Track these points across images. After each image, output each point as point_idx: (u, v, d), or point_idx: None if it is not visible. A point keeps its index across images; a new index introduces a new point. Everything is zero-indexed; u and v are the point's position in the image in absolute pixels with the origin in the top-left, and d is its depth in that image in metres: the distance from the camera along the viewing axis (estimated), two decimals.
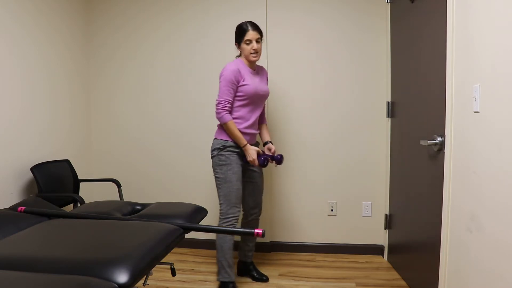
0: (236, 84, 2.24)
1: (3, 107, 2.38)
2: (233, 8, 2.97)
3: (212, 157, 2.31)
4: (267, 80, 2.51)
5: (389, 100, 2.79)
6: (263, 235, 1.64)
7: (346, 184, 2.95)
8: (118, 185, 2.85)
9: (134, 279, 1.31)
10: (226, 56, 2.99)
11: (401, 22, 2.50)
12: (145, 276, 2.00)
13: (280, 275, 2.60)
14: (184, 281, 2.50)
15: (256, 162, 2.25)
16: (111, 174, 3.18)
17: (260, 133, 2.53)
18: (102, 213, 2.06)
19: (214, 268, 2.70)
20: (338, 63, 2.90)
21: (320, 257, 2.91)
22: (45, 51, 2.74)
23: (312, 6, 2.90)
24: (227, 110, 2.22)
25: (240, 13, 2.95)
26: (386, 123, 2.83)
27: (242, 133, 2.27)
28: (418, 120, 2.20)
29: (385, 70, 2.82)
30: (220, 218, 2.26)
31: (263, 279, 2.50)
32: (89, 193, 3.03)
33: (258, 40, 2.28)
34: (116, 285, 1.25)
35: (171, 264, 2.08)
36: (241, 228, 1.77)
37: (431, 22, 1.98)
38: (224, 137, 2.28)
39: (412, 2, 2.24)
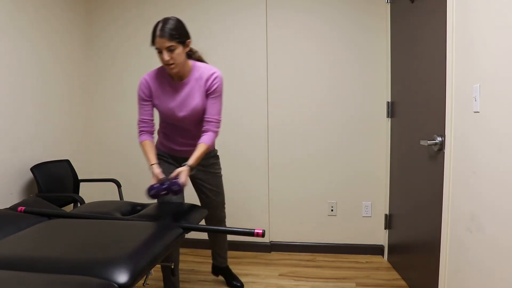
0: (146, 99, 1.93)
1: (3, 107, 2.38)
2: (233, 7, 2.97)
3: None
4: (207, 91, 1.92)
5: (389, 100, 2.79)
6: (263, 235, 1.64)
7: (346, 184, 2.95)
8: (118, 185, 2.86)
9: (134, 279, 1.31)
10: (226, 56, 3.00)
11: (401, 22, 2.50)
12: (145, 276, 2.00)
13: (280, 275, 2.60)
14: (184, 281, 2.50)
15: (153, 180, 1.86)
16: (111, 174, 3.18)
17: None
18: (102, 213, 2.06)
19: None
20: (338, 63, 2.90)
21: (320, 257, 2.91)
22: (45, 52, 2.74)
23: (312, 6, 2.90)
24: (142, 131, 1.97)
25: (240, 13, 2.95)
26: (386, 123, 2.83)
27: (175, 150, 2.07)
28: (418, 120, 2.20)
29: (385, 70, 2.82)
30: None
31: (238, 285, 2.39)
32: (89, 193, 3.03)
33: (171, 48, 1.77)
34: (116, 285, 1.25)
35: (171, 264, 2.08)
36: (240, 228, 1.73)
37: (431, 22, 1.98)
38: (157, 142, 2.13)
39: (412, 2, 2.24)
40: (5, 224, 1.79)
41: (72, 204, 2.72)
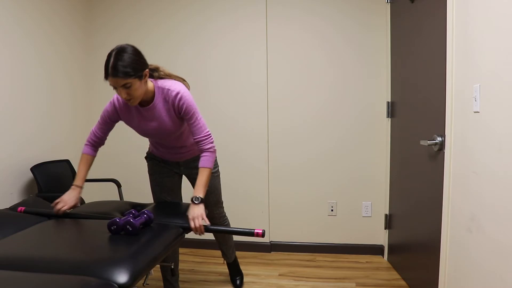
0: (109, 121, 1.90)
1: (3, 107, 2.38)
2: (232, 5, 2.97)
3: None
4: (176, 110, 1.81)
5: (389, 100, 2.79)
6: (263, 235, 1.64)
7: (346, 184, 2.95)
8: (118, 185, 2.85)
9: (134, 279, 1.31)
10: (226, 54, 3.00)
11: (401, 22, 2.50)
12: (145, 276, 2.00)
13: (280, 275, 2.60)
14: (184, 281, 2.50)
15: (60, 206, 1.81)
16: (111, 174, 3.18)
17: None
18: (102, 213, 2.06)
19: (214, 268, 2.70)
20: (338, 63, 2.90)
21: (320, 257, 2.91)
22: (45, 51, 2.74)
23: (312, 5, 2.90)
24: (89, 143, 1.94)
25: (240, 10, 2.95)
26: (386, 123, 2.83)
27: (166, 157, 2.08)
28: (418, 120, 2.20)
29: (385, 70, 2.82)
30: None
31: (237, 284, 2.43)
32: (89, 193, 3.03)
33: (127, 86, 1.63)
34: (116, 285, 1.25)
35: (171, 264, 2.08)
36: (240, 228, 1.72)
37: (431, 22, 1.98)
38: (150, 148, 2.14)
39: (412, 2, 2.24)
40: (5, 224, 1.79)
41: None
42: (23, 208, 1.91)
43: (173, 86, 1.80)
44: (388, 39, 2.76)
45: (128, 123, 1.90)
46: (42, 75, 2.71)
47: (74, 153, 3.03)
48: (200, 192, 1.79)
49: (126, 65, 1.60)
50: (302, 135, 2.97)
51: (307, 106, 2.95)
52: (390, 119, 2.80)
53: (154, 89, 1.81)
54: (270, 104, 2.97)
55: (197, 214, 1.73)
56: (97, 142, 1.94)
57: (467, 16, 1.57)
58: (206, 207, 2.14)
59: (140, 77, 1.67)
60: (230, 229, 1.75)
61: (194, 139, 1.85)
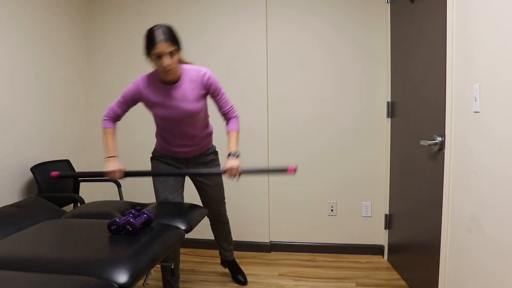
0: (132, 103, 1.98)
1: (2, 107, 2.38)
2: (232, 5, 2.97)
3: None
4: (204, 88, 1.95)
5: (389, 100, 2.79)
6: (295, 170, 1.88)
7: (346, 184, 2.95)
8: (118, 185, 2.86)
9: (134, 279, 1.31)
10: (225, 55, 3.00)
11: (401, 22, 2.50)
12: (145, 276, 2.00)
13: (280, 275, 2.60)
14: (184, 281, 2.50)
15: (113, 176, 1.92)
16: None
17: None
18: (102, 213, 2.06)
19: (214, 268, 2.70)
20: (338, 63, 2.90)
21: (320, 257, 2.91)
22: (45, 51, 2.74)
23: (312, 5, 2.90)
24: (107, 119, 2.00)
25: (240, 10, 2.95)
26: (386, 123, 2.83)
27: (174, 152, 2.09)
28: (418, 120, 2.20)
29: (385, 70, 2.82)
30: None
31: (241, 281, 2.46)
32: (89, 193, 3.03)
33: (173, 53, 1.78)
34: (116, 285, 1.25)
35: (171, 264, 2.08)
36: (272, 167, 1.82)
37: (431, 22, 1.98)
38: (156, 143, 2.15)
39: (412, 2, 2.24)
40: (5, 224, 1.79)
41: (72, 204, 2.72)
42: (57, 173, 1.87)
43: (200, 67, 1.98)
44: (388, 39, 2.76)
45: (150, 104, 1.95)
46: (41, 75, 2.71)
47: (74, 153, 3.03)
48: (235, 148, 2.00)
49: (173, 35, 1.81)
50: (302, 135, 2.97)
51: (307, 106, 2.95)
52: (390, 119, 2.80)
53: (181, 70, 1.95)
54: (270, 104, 2.97)
55: (236, 165, 1.92)
56: (115, 118, 2.03)
57: (467, 16, 1.57)
58: (215, 204, 2.26)
59: (179, 50, 1.85)
60: (263, 168, 1.85)
61: (222, 111, 2.05)
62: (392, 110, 2.76)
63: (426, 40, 2.06)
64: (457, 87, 1.67)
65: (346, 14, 2.87)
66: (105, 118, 2.03)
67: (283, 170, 1.89)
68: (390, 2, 2.72)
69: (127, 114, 3.16)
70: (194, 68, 1.97)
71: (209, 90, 1.98)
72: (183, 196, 2.23)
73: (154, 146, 2.23)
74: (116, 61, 3.19)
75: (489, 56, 1.40)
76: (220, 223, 2.39)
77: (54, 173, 1.87)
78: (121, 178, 1.94)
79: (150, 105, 1.95)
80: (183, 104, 1.92)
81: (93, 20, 3.21)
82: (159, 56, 1.77)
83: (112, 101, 3.18)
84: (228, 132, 2.06)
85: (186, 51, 3.07)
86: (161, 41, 1.75)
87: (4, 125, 2.38)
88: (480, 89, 1.46)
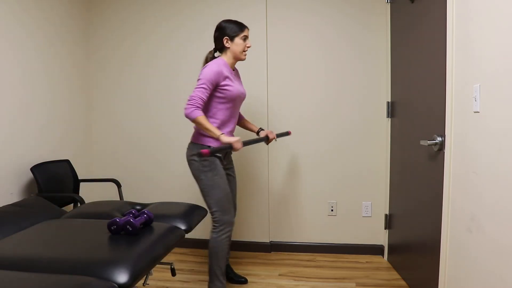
0: (214, 86, 2.06)
1: (3, 107, 2.38)
2: (232, 6, 2.97)
3: (191, 162, 2.14)
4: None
5: (389, 100, 2.79)
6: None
7: (346, 184, 2.95)
8: (118, 185, 2.86)
9: (134, 279, 1.32)
10: None
11: (401, 22, 2.50)
12: (145, 276, 2.00)
13: (280, 275, 2.60)
14: (184, 281, 2.50)
15: (239, 146, 2.02)
16: (111, 174, 3.18)
17: (248, 127, 2.52)
18: (102, 213, 2.06)
19: None
20: (339, 63, 2.90)
21: (320, 257, 2.91)
22: (45, 51, 2.74)
23: (312, 5, 2.90)
24: (197, 107, 2.00)
25: (240, 11, 2.95)
26: (386, 123, 2.83)
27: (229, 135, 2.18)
28: (418, 120, 2.20)
29: (385, 70, 2.82)
30: (215, 226, 2.11)
31: (241, 280, 2.47)
32: (89, 193, 3.03)
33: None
34: (116, 285, 1.25)
35: (171, 264, 2.08)
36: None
37: (431, 22, 1.98)
38: (203, 141, 2.12)
39: (412, 2, 2.24)
40: (5, 224, 1.79)
41: (72, 204, 2.72)
42: (207, 150, 1.85)
43: None
44: (388, 39, 2.76)
45: (230, 81, 2.12)
46: (41, 75, 2.71)
47: (74, 153, 3.03)
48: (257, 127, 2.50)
49: None
50: (302, 135, 2.97)
51: (307, 106, 2.95)
52: (390, 119, 2.80)
53: None
54: (270, 104, 2.97)
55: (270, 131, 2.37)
56: (202, 106, 2.04)
57: (467, 16, 1.57)
58: (234, 196, 2.39)
59: None
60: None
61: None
62: (392, 110, 2.76)
63: (426, 40, 2.06)
64: (457, 87, 1.67)
65: (346, 15, 2.87)
66: (194, 107, 2.00)
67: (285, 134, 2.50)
68: (390, 2, 2.72)
69: (122, 110, 3.19)
70: None
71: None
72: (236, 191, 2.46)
73: (188, 145, 2.22)
74: (116, 62, 3.19)
75: (489, 56, 1.40)
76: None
77: (204, 151, 1.84)
78: (241, 148, 2.04)
79: (229, 82, 2.11)
80: (242, 86, 2.27)
81: (93, 20, 3.20)
82: (245, 38, 2.15)
83: (112, 101, 3.21)
84: (245, 119, 2.55)
85: (187, 51, 3.08)
86: (247, 27, 2.16)
87: (4, 125, 2.39)
88: (480, 89, 1.46)
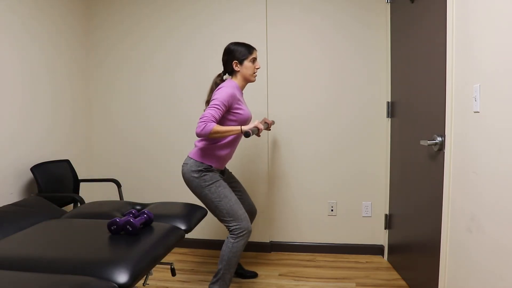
0: (227, 108, 2.05)
1: (3, 106, 2.38)
2: (232, 5, 2.97)
3: (190, 180, 2.10)
4: None
5: (389, 100, 2.79)
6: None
7: (346, 184, 2.95)
8: (118, 185, 2.86)
9: (134, 279, 1.32)
10: None
11: (401, 22, 2.50)
12: (145, 276, 2.00)
13: (280, 275, 2.60)
14: (184, 281, 2.50)
15: (261, 126, 2.08)
16: (111, 174, 3.18)
17: None
18: (102, 213, 2.06)
19: (214, 268, 2.69)
20: (338, 63, 2.90)
21: (320, 257, 2.91)
22: (46, 51, 2.74)
23: (312, 4, 2.90)
24: (211, 121, 1.97)
25: (240, 11, 2.95)
26: (386, 123, 2.83)
27: (222, 158, 2.16)
28: (418, 120, 2.20)
29: (385, 70, 2.82)
30: (234, 236, 2.08)
31: (252, 275, 2.53)
32: (89, 193, 3.03)
33: None
34: (116, 285, 1.25)
35: (171, 264, 2.08)
36: None
37: (431, 22, 1.98)
38: (205, 160, 2.10)
39: (412, 2, 2.24)
40: (5, 223, 1.79)
41: (72, 204, 2.72)
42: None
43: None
44: (388, 39, 2.76)
45: (242, 104, 2.14)
46: (41, 75, 2.71)
47: (74, 153, 3.03)
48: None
49: None
50: (302, 135, 2.97)
51: (307, 106, 2.95)
52: (390, 119, 2.80)
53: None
54: (270, 104, 2.97)
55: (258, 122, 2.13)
56: (215, 122, 2.01)
57: (467, 16, 1.57)
58: (248, 199, 2.45)
59: None
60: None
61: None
62: (392, 110, 2.76)
63: (426, 40, 2.06)
64: (457, 87, 1.67)
65: (347, 14, 2.87)
66: (208, 121, 1.96)
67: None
68: (390, 2, 2.72)
69: (122, 111, 3.19)
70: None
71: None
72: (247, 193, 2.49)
73: (187, 160, 2.18)
74: (116, 62, 3.19)
75: (489, 56, 1.40)
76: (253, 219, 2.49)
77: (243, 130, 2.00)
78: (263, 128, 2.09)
79: (242, 105, 2.13)
80: (248, 107, 2.25)
81: (93, 17, 3.20)
82: (254, 60, 2.17)
83: (112, 101, 3.21)
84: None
85: (187, 51, 3.08)
86: (255, 49, 2.20)
87: (4, 125, 2.39)
88: (480, 89, 1.46)
